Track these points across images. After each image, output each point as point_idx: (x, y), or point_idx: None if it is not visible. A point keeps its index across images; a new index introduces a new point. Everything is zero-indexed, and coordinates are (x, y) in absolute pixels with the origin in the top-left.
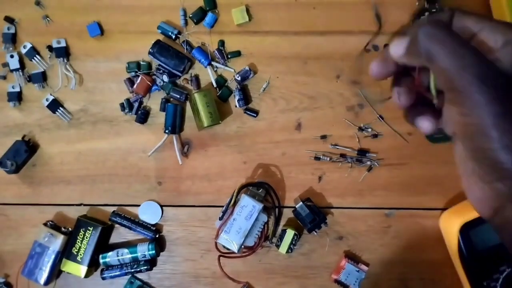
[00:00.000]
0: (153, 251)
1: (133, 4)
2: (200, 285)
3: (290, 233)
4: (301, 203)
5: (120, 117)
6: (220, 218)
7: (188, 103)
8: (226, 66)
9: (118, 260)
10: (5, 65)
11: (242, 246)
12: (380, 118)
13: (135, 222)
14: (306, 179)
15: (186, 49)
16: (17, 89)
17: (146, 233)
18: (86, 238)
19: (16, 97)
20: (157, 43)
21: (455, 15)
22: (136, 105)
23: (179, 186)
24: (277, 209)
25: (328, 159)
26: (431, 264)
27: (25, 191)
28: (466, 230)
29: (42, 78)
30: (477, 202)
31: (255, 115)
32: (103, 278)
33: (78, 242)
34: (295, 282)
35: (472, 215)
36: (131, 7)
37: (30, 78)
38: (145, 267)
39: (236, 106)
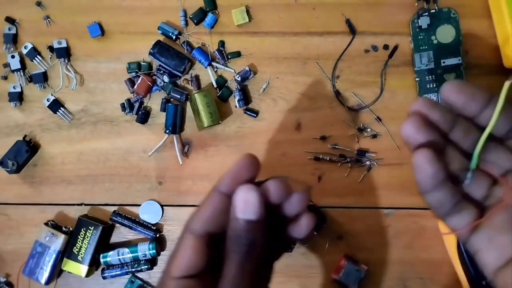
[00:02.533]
0: (154, 251)
1: (134, 5)
2: None
3: None
4: None
5: (120, 117)
6: None
7: (188, 104)
8: (226, 66)
9: (119, 259)
10: (6, 65)
11: None
12: (378, 120)
13: (136, 222)
14: (306, 179)
15: (187, 49)
16: (18, 90)
17: (146, 232)
18: (87, 237)
19: (17, 98)
20: (158, 43)
21: None
22: (136, 105)
23: (179, 186)
24: None
25: (328, 159)
26: (430, 264)
27: (26, 191)
28: None
29: (43, 78)
30: None
31: (255, 115)
32: (104, 278)
33: (79, 241)
34: (295, 282)
35: None
36: (132, 8)
37: (31, 79)
38: (146, 267)
39: (236, 106)
